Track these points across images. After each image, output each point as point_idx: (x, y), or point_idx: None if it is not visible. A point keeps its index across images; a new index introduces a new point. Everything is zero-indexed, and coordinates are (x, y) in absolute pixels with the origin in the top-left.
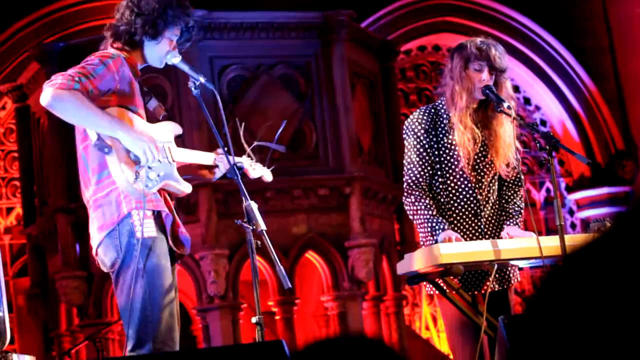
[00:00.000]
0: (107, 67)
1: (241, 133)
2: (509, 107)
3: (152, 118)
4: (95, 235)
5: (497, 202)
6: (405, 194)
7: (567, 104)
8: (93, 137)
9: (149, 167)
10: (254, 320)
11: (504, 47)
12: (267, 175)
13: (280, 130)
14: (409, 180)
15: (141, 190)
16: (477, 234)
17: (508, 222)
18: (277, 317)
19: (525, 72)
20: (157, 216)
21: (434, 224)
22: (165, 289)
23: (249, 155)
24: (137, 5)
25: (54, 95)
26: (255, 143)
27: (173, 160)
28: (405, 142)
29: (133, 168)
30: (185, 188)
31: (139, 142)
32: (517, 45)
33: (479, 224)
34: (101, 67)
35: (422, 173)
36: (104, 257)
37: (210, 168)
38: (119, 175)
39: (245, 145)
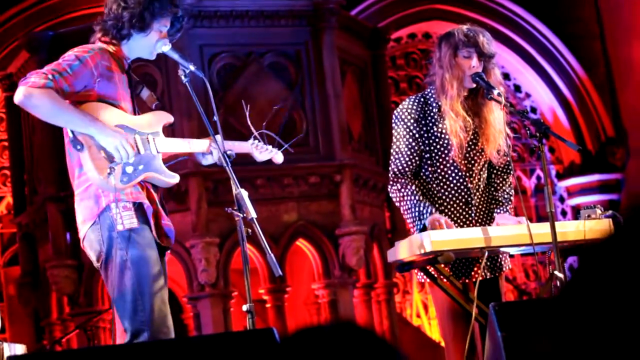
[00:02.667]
0: (83, 63)
1: (247, 114)
2: (499, 94)
3: (145, 108)
4: (80, 229)
5: (487, 190)
6: (391, 182)
7: (557, 91)
8: (69, 134)
9: (126, 162)
10: (244, 308)
11: (493, 34)
12: (277, 156)
13: (282, 124)
14: (395, 169)
15: (113, 186)
16: (467, 222)
17: (498, 210)
18: (268, 305)
19: (515, 59)
20: (139, 207)
21: (421, 209)
22: (153, 277)
23: (255, 138)
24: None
25: (25, 93)
26: (265, 131)
27: (157, 152)
28: (393, 131)
29: (106, 164)
30: (171, 179)
31: (111, 139)
32: (506, 32)
33: (470, 212)
34: (77, 64)
35: (409, 162)
36: (90, 251)
37: (204, 154)
38: (91, 172)
39: (253, 128)
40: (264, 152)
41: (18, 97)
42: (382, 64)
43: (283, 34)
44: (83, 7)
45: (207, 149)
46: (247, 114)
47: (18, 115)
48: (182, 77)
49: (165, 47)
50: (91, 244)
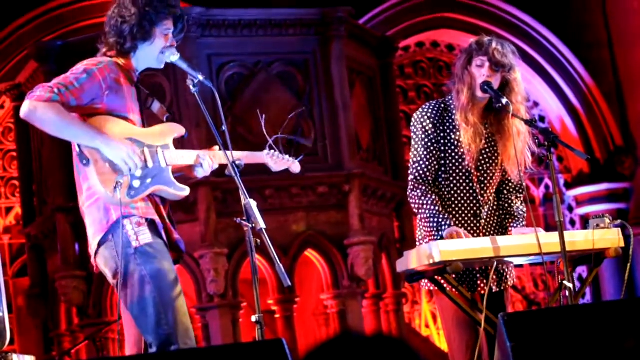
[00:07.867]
0: (91, 76)
1: (263, 124)
2: (507, 104)
3: (156, 121)
4: (91, 242)
5: (496, 204)
6: (411, 187)
7: (566, 99)
8: (76, 149)
9: (133, 175)
10: (253, 319)
11: None
12: (294, 166)
13: (299, 133)
14: (416, 174)
15: (119, 200)
16: (475, 233)
17: (515, 225)
18: (277, 316)
19: (523, 68)
20: (151, 222)
21: (440, 220)
22: (174, 290)
23: (271, 147)
24: (120, 15)
25: (30, 107)
26: (280, 135)
27: (167, 164)
28: (412, 135)
29: (113, 178)
30: (181, 192)
31: (118, 152)
32: (514, 41)
33: (478, 224)
34: (84, 77)
35: (429, 167)
36: (105, 268)
37: (193, 167)
38: (97, 187)
39: (268, 136)
40: (280, 161)
41: (23, 111)
42: (391, 72)
43: (291, 43)
44: (91, 17)
45: (194, 161)
46: (263, 122)
47: (27, 125)
48: (191, 87)
49: (174, 57)
50: (106, 261)
